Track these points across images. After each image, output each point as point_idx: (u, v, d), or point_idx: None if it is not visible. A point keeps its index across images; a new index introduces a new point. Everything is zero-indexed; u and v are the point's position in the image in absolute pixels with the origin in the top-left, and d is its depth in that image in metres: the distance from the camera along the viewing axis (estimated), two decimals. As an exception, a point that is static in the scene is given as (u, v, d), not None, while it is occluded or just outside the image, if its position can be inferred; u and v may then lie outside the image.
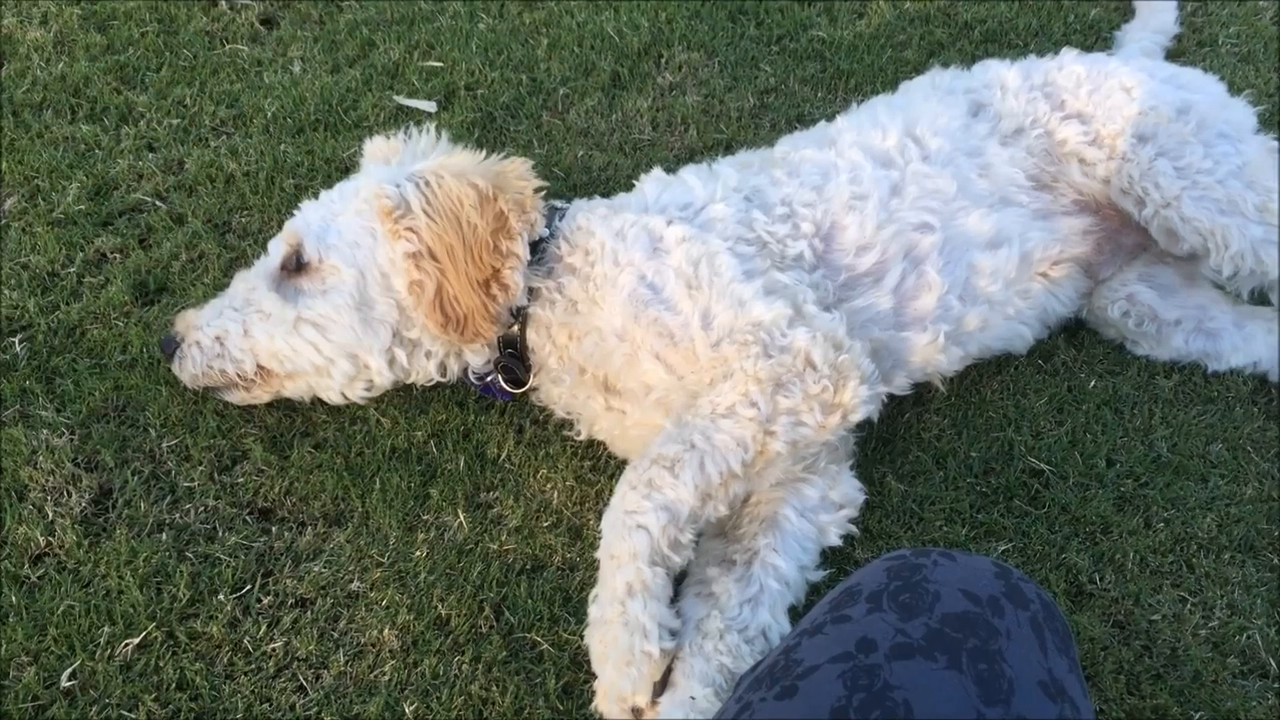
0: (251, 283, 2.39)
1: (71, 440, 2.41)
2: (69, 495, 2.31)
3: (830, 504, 2.23)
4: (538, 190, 2.34)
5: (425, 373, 2.41)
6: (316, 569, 2.22)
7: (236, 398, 2.45)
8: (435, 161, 2.34)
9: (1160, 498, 2.35)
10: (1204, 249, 2.46)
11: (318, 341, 2.32)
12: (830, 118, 2.77)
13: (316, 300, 2.31)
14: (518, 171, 2.32)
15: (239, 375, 2.38)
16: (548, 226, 2.35)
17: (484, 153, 2.39)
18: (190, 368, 2.39)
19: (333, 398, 2.41)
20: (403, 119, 3.20)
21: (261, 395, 2.44)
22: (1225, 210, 2.42)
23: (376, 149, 2.53)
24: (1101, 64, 2.67)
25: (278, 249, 2.38)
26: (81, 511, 2.28)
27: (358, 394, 2.41)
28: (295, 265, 2.33)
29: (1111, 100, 2.55)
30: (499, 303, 2.26)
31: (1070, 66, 2.66)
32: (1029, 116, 2.57)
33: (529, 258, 2.28)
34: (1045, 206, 2.53)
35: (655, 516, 1.96)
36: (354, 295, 2.30)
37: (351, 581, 2.20)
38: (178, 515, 2.31)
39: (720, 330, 2.13)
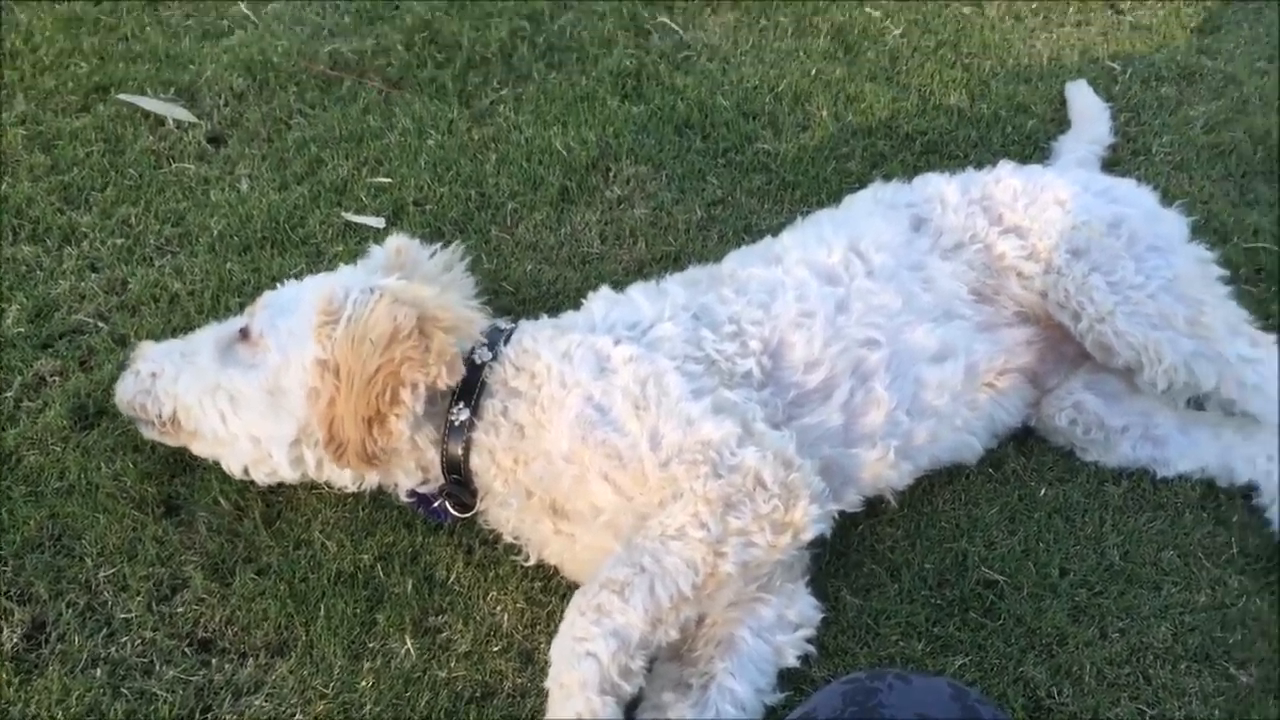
0: (210, 335, 2.45)
1: (4, 573, 2.34)
2: (0, 631, 2.23)
3: (787, 624, 2.20)
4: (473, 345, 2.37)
5: (339, 479, 2.40)
6: (258, 703, 2.15)
7: (150, 434, 2.49)
8: (398, 282, 2.34)
9: (1114, 607, 2.35)
10: (1138, 363, 2.49)
11: (226, 412, 2.35)
12: (777, 229, 2.81)
13: (239, 373, 2.35)
14: (448, 321, 2.26)
15: (157, 416, 2.42)
16: (492, 349, 2.35)
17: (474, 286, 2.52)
18: (123, 391, 2.46)
19: (234, 472, 2.44)
20: (350, 236, 3.20)
21: (171, 441, 2.48)
22: (1157, 325, 2.45)
23: (391, 247, 2.54)
24: (1037, 177, 2.73)
25: (247, 313, 2.44)
26: (13, 648, 2.21)
27: (261, 478, 2.42)
28: (244, 333, 2.38)
29: (1046, 214, 2.60)
30: (378, 445, 2.22)
31: (1007, 180, 2.71)
32: (969, 231, 2.62)
33: (421, 411, 2.22)
34: (988, 318, 2.56)
35: (605, 643, 1.92)
36: (270, 379, 2.32)
37: (294, 715, 2.14)
38: (114, 649, 2.24)
39: (669, 450, 2.11)
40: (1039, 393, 2.66)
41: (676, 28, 4.14)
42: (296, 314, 2.34)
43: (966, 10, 4.28)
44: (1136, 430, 2.60)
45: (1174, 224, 2.65)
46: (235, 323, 2.46)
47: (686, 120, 3.70)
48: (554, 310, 2.60)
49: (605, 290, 2.53)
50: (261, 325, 2.36)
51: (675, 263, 3.14)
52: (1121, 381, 2.63)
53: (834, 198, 3.02)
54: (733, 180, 3.48)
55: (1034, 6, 4.30)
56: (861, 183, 3.21)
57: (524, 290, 3.08)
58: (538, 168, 3.49)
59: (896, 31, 4.13)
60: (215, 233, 3.18)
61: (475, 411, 2.29)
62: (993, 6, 4.31)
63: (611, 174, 3.50)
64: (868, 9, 4.25)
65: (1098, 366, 2.63)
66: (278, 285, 2.50)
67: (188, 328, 2.86)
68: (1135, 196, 2.71)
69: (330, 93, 3.75)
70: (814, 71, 3.91)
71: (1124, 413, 2.61)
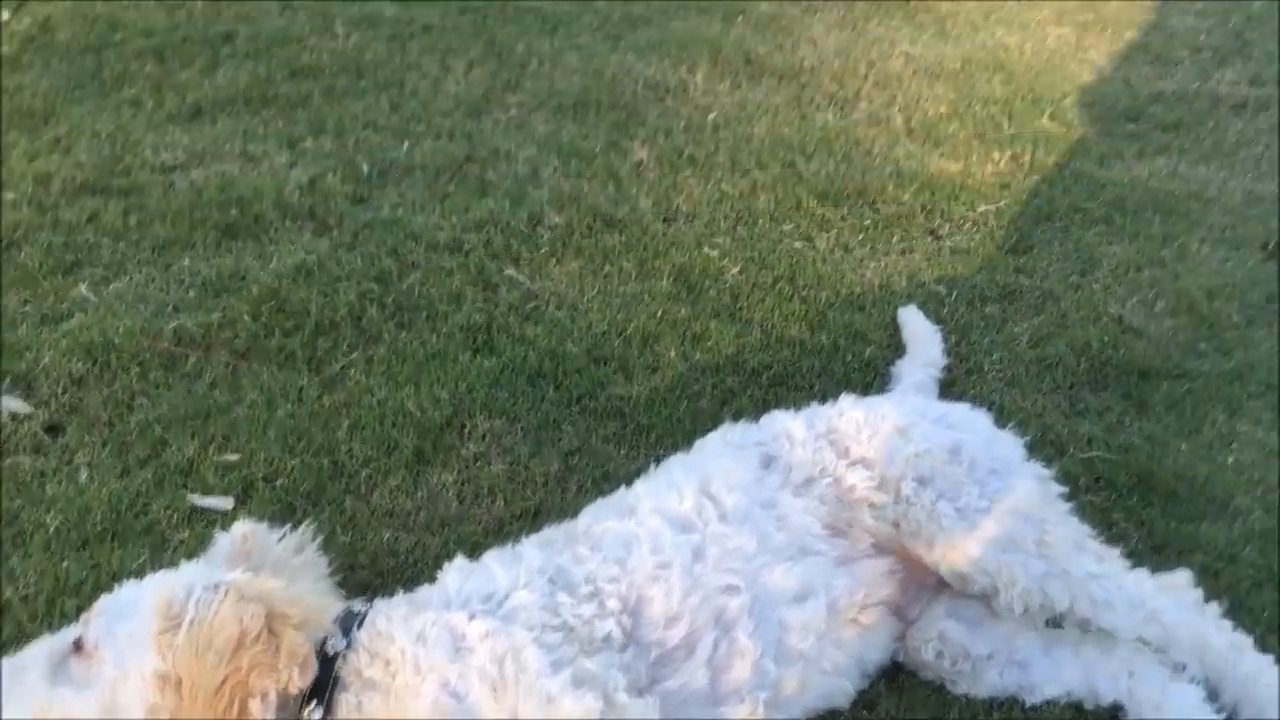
0: (42, 650, 2.23)
1: None
2: None
3: None
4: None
5: None
6: None
7: None
8: (243, 576, 2.24)
9: None
10: (993, 588, 2.50)
11: None
12: (634, 474, 2.81)
13: (70, 693, 2.16)
14: (298, 617, 2.17)
15: None
16: (345, 636, 2.25)
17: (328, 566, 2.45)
18: None
19: None
20: (197, 520, 3.09)
21: None
22: (1006, 548, 2.50)
23: (237, 535, 2.43)
24: (877, 407, 2.81)
25: (83, 621, 2.25)
26: None
27: None
28: (78, 645, 2.20)
29: (890, 444, 2.66)
30: None
31: (849, 413, 2.77)
32: (818, 465, 2.65)
33: (273, 718, 2.11)
34: (844, 552, 2.57)
35: None
36: (106, 697, 2.14)
37: None
38: None
39: (530, 733, 2.03)
40: (904, 625, 2.66)
41: (523, 279, 4.25)
42: (134, 619, 2.20)
43: (798, 245, 4.50)
44: (1001, 656, 2.60)
45: (1010, 445, 2.74)
46: (69, 633, 2.28)
47: (539, 370, 3.74)
48: (411, 582, 2.54)
49: (460, 560, 2.48)
50: (97, 634, 2.21)
51: (535, 517, 3.11)
52: (983, 607, 2.64)
53: (688, 438, 3.05)
54: (588, 428, 3.51)
55: (860, 238, 4.55)
56: (714, 421, 3.26)
57: (381, 561, 3.00)
58: (391, 430, 3.46)
59: (735, 270, 4.31)
60: (51, 529, 3.03)
61: (329, 709, 2.17)
62: (822, 240, 4.54)
63: (466, 431, 3.50)
64: (706, 250, 4.43)
65: (958, 593, 2.65)
66: (116, 585, 2.38)
67: (20, 640, 2.68)
68: (970, 421, 2.81)
69: (175, 370, 3.70)
70: (660, 313, 4.03)
71: (987, 639, 2.61)
